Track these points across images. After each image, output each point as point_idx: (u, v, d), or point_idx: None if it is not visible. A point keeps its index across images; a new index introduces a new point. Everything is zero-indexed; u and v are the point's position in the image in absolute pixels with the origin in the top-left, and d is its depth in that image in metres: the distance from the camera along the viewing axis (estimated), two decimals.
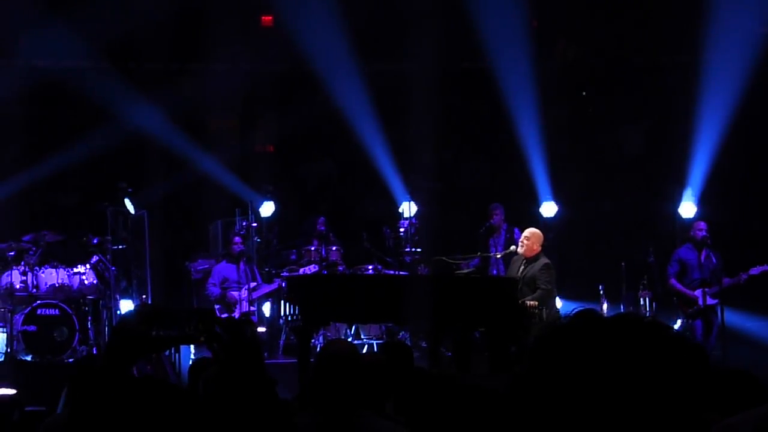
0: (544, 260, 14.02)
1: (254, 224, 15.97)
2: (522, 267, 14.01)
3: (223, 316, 14.63)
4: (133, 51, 18.69)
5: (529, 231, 14.36)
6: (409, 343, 14.35)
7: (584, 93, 19.20)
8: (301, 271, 14.89)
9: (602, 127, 19.03)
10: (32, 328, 14.39)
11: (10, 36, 17.86)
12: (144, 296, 15.97)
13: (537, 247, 14.14)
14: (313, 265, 15.08)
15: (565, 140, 19.11)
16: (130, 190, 16.33)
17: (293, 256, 15.89)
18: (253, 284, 15.35)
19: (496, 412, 3.53)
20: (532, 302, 13.41)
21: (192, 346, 11.88)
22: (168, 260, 17.42)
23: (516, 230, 15.45)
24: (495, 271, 15.54)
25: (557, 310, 13.99)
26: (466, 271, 15.29)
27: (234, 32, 18.85)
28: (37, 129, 17.93)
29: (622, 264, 15.73)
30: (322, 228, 15.84)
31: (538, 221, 16.50)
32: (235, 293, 15.29)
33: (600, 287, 15.58)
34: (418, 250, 16.01)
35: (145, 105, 18.90)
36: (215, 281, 15.43)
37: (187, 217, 18.85)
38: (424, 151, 18.91)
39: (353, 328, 15.52)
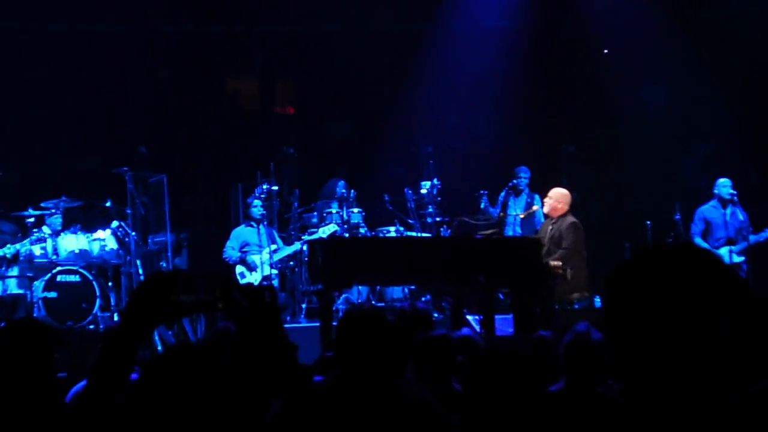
0: (570, 219, 13.95)
1: (275, 187, 15.88)
2: (550, 228, 13.95)
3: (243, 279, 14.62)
4: (154, 13, 18.59)
5: (553, 190, 14.28)
6: (431, 306, 14.32)
7: (606, 51, 18.99)
8: (320, 231, 14.78)
9: (626, 85, 18.84)
10: (53, 294, 14.38)
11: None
12: (162, 262, 15.93)
13: (562, 207, 14.05)
14: (332, 225, 14.97)
15: (587, 99, 18.98)
16: (144, 151, 16.31)
17: (314, 219, 15.79)
18: (273, 247, 15.28)
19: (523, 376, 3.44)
20: (555, 262, 13.33)
21: None
22: (189, 225, 17.39)
23: (536, 195, 15.36)
24: (512, 234, 15.48)
25: (586, 271, 13.91)
26: (488, 232, 15.23)
27: None
28: (57, 94, 17.84)
29: (648, 222, 15.59)
30: (343, 191, 15.74)
31: (560, 183, 16.39)
32: (255, 256, 15.22)
33: (626, 245, 15.47)
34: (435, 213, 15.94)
35: (163, 67, 18.87)
36: (234, 245, 15.35)
37: (207, 181, 18.79)
38: (446, 113, 18.84)
39: (376, 290, 15.47)
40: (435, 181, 15.98)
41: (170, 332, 13.61)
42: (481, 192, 15.82)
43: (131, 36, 18.87)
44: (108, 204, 15.46)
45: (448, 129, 18.76)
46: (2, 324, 14.23)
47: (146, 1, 18.51)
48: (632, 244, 15.43)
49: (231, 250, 15.32)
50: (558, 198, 14.21)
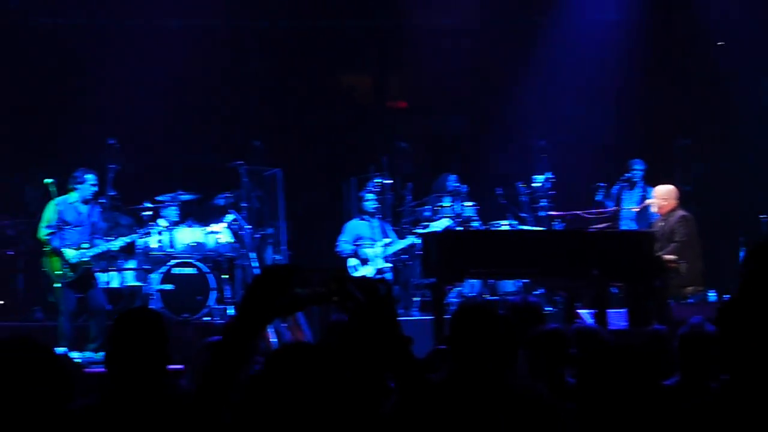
0: (680, 212, 13.81)
1: (388, 181, 15.92)
2: (661, 224, 13.83)
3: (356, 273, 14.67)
4: (270, 9, 18.73)
5: (656, 189, 14.16)
6: (544, 300, 14.25)
7: (720, 43, 18.66)
8: (433, 225, 14.78)
9: (741, 78, 18.49)
10: (169, 286, 14.59)
11: None
12: (277, 255, 16.06)
13: (669, 203, 13.93)
14: (445, 219, 14.94)
15: (702, 92, 18.70)
16: (259, 145, 16.47)
17: (427, 213, 15.79)
18: (386, 240, 15.33)
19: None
20: (668, 256, 13.19)
21: None
22: (303, 218, 17.51)
23: (651, 189, 15.17)
24: (626, 228, 15.33)
25: (700, 264, 13.74)
26: (602, 225, 15.11)
27: None
28: (174, 89, 18.10)
29: (762, 216, 15.34)
30: (456, 184, 15.70)
31: (674, 176, 16.18)
32: (369, 250, 15.28)
33: (740, 239, 15.23)
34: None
35: (278, 63, 19.00)
36: (346, 238, 15.43)
37: (321, 175, 18.89)
38: (560, 106, 18.69)
39: (488, 284, 15.43)
40: (548, 174, 15.89)
41: (285, 325, 13.72)
42: (599, 184, 15.70)
43: (246, 32, 19.06)
44: (223, 197, 15.63)
45: (562, 122, 18.60)
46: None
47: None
48: (747, 238, 15.17)
49: (344, 244, 15.41)
50: (662, 195, 14.08)
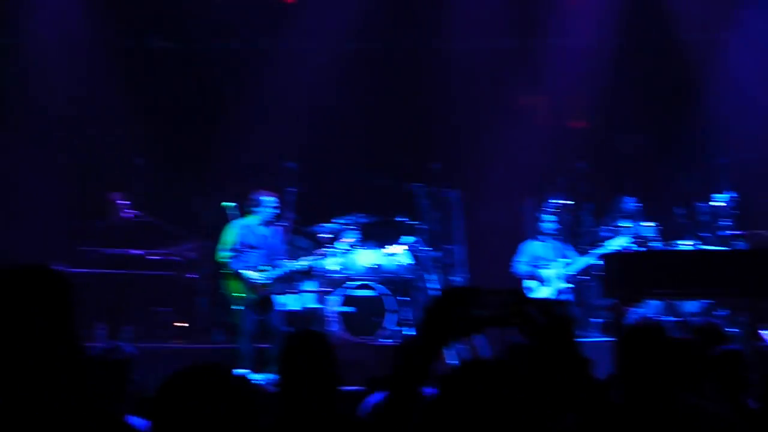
0: None
1: (567, 201, 15.77)
2: None
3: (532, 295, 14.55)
4: (446, 30, 18.79)
5: None
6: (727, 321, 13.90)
7: None
8: (611, 245, 14.58)
9: None
10: (348, 308, 14.71)
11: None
12: (455, 277, 16.02)
13: None
14: (624, 239, 14.72)
15: None
16: (437, 167, 16.50)
17: (605, 233, 15.59)
18: (565, 261, 15.18)
19: None
20: None
21: None
22: (481, 239, 17.45)
23: None
24: None
25: None
26: None
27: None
28: (351, 110, 18.29)
29: None
30: (635, 205, 15.47)
31: None
32: (547, 271, 15.15)
33: None
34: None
35: (455, 84, 19.01)
36: (524, 259, 15.33)
37: (498, 195, 18.80)
38: (743, 122, 18.26)
39: (670, 305, 15.14)
40: (731, 193, 15.52)
41: (463, 347, 13.68)
42: None
43: (423, 53, 19.11)
44: (402, 219, 15.69)
45: (744, 140, 18.15)
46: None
47: (436, 20, 18.70)
48: None
49: (522, 265, 15.32)
50: None
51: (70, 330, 3.36)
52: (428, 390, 3.00)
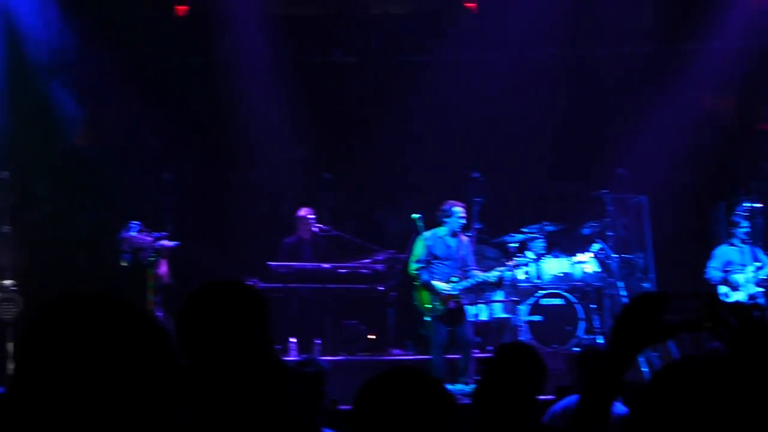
0: None
1: (758, 204, 15.40)
2: None
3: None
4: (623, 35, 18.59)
5: None
6: None
7: None
8: None
9: None
10: (537, 317, 14.66)
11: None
12: (643, 284, 15.78)
13: None
14: None
15: None
16: (623, 173, 16.31)
17: None
18: (757, 266, 14.82)
19: None
20: None
21: None
22: (669, 245, 17.17)
23: None
24: None
25: None
26: None
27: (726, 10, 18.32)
28: (536, 119, 18.23)
29: None
30: None
31: None
32: (739, 275, 14.82)
33: None
34: None
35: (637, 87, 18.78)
36: (716, 264, 15.01)
37: (687, 201, 18.49)
38: None
39: None
40: None
41: (655, 354, 13.49)
42: None
43: (608, 59, 18.91)
44: (589, 227, 15.57)
45: None
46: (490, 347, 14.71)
47: (612, 24, 18.46)
48: None
49: (714, 270, 15.00)
50: None
51: (268, 344, 3.46)
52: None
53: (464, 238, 14.16)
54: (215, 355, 3.37)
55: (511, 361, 5.01)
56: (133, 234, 13.97)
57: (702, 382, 2.46)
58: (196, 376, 3.38)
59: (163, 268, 14.10)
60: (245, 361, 3.37)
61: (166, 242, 14.09)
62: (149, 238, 14.02)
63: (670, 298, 2.86)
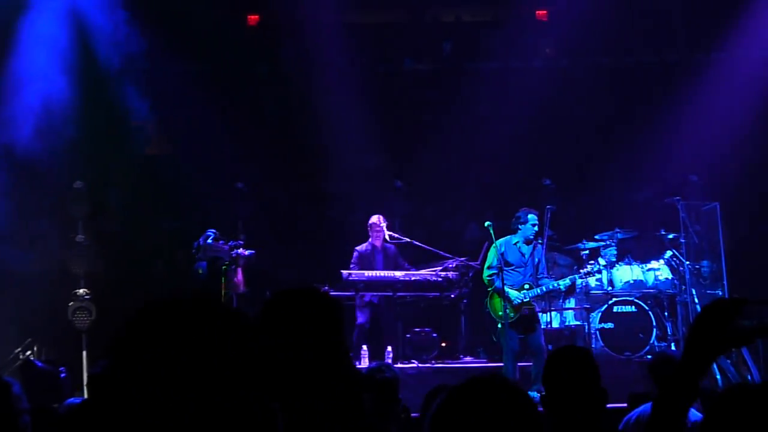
0: None
1: None
2: None
3: None
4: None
5: None
6: None
7: None
8: None
9: None
10: (610, 325, 14.58)
11: None
12: (716, 290, 15.60)
13: None
14: None
15: None
16: (695, 179, 16.20)
17: None
18: None
19: None
20: None
21: None
22: (741, 252, 17.00)
23: None
24: None
25: None
26: None
27: None
28: (611, 124, 18.16)
29: None
30: None
31: None
32: None
33: None
34: None
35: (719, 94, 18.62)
36: None
37: (761, 206, 18.32)
38: None
39: None
40: None
41: (729, 361, 13.37)
42: None
43: (676, 65, 18.80)
44: (661, 234, 15.47)
45: None
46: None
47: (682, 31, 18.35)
48: None
49: None
50: None
51: (342, 351, 3.48)
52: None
53: (537, 246, 14.10)
54: (291, 362, 3.40)
55: (566, 367, 4.99)
56: (210, 242, 14.04)
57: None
58: (272, 383, 3.41)
59: (239, 277, 14.16)
60: (321, 368, 3.40)
61: (242, 251, 14.15)
62: (225, 247, 14.10)
63: (744, 304, 2.84)
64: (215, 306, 2.12)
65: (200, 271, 14.00)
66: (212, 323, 2.09)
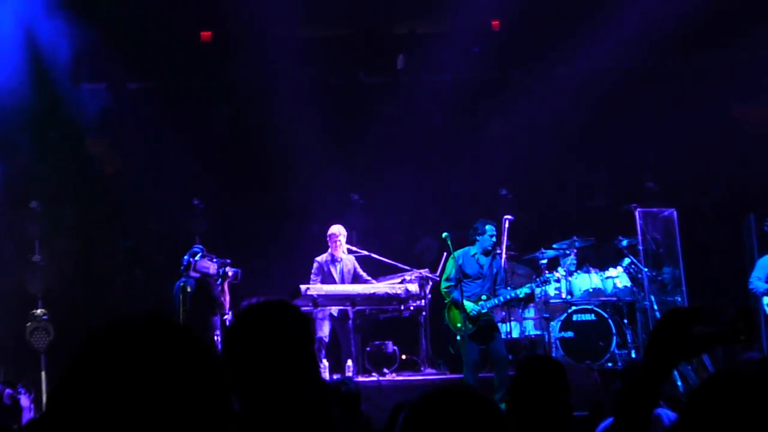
0: None
1: None
2: None
3: None
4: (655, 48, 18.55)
5: None
6: None
7: None
8: None
9: None
10: (569, 334, 14.63)
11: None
12: (674, 297, 15.68)
13: None
14: None
15: None
16: (651, 186, 16.31)
17: None
18: None
19: None
20: None
21: None
22: (701, 258, 17.10)
23: None
24: None
25: None
26: None
27: None
28: (561, 134, 18.23)
29: None
30: None
31: None
32: None
33: None
34: None
35: (665, 101, 18.71)
36: (760, 275, 14.83)
37: (717, 212, 18.43)
38: None
39: None
40: None
41: (689, 367, 13.44)
42: None
43: (634, 72, 18.87)
44: (619, 241, 15.54)
45: None
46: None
47: (649, 39, 18.41)
48: None
49: (757, 281, 14.82)
50: None
51: (312, 363, 3.50)
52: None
53: (496, 256, 14.12)
54: (262, 374, 3.40)
55: (533, 374, 5.00)
56: (198, 259, 13.85)
57: (749, 391, 2.44)
58: (243, 397, 3.41)
59: (227, 296, 13.99)
60: (293, 380, 3.40)
61: (230, 269, 13.99)
62: (214, 264, 13.95)
63: (703, 311, 2.85)
64: (167, 325, 2.10)
65: (188, 289, 13.83)
66: (163, 343, 2.07)
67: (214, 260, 13.93)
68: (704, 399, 2.45)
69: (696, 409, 2.47)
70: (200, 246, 14.25)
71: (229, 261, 14.02)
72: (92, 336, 2.08)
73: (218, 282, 13.87)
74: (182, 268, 13.85)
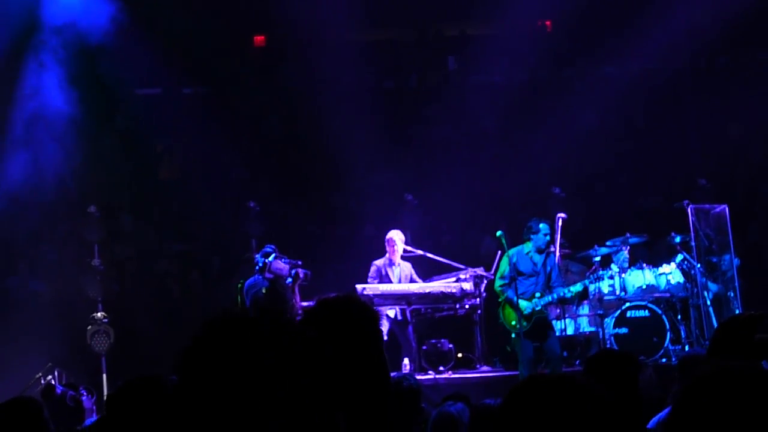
0: None
1: None
2: None
3: None
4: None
5: None
6: None
7: None
8: None
9: None
10: (624, 330, 14.66)
11: None
12: (728, 292, 15.64)
13: None
14: None
15: None
16: (704, 183, 16.28)
17: None
18: None
19: None
20: None
21: None
22: (753, 253, 17.06)
23: None
24: None
25: None
26: None
27: None
28: (615, 133, 18.26)
29: None
30: None
31: None
32: None
33: None
34: None
35: (714, 100, 18.67)
36: None
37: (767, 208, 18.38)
38: None
39: None
40: None
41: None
42: None
43: (684, 72, 18.86)
44: (672, 238, 15.53)
45: None
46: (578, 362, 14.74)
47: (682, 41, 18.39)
48: None
49: None
50: None
51: (379, 356, 3.53)
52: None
53: (550, 254, 14.15)
54: (342, 371, 3.44)
55: (603, 371, 5.05)
56: (272, 260, 13.88)
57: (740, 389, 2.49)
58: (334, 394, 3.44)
59: (297, 296, 14.03)
60: (362, 376, 3.43)
61: (301, 270, 14.04)
62: (286, 264, 14.00)
63: (763, 319, 2.91)
64: (280, 321, 2.19)
65: (263, 290, 13.87)
66: (279, 337, 2.14)
67: (285, 261, 14.02)
68: (695, 396, 2.49)
69: (686, 405, 2.51)
70: (272, 246, 14.29)
71: (300, 262, 14.09)
72: (206, 331, 2.16)
73: (289, 283, 13.94)
74: (257, 267, 13.95)
